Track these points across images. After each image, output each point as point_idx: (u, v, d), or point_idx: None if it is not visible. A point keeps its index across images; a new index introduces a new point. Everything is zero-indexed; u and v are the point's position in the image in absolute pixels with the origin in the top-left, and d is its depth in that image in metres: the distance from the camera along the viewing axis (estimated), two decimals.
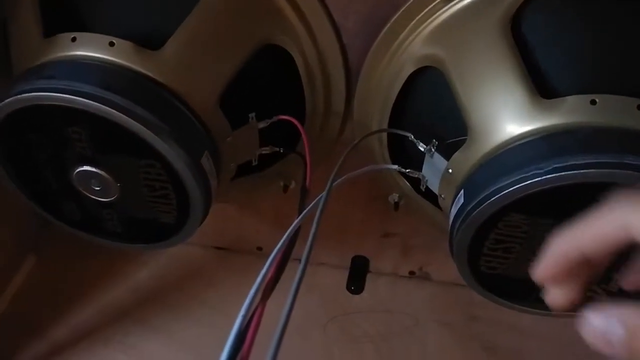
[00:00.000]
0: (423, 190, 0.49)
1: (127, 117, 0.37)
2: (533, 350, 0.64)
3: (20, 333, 0.64)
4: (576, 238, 0.25)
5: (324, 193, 0.33)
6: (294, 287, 0.26)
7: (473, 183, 0.41)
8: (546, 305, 0.45)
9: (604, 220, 0.24)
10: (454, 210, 0.42)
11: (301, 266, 0.27)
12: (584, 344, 0.69)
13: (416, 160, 0.48)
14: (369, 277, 0.69)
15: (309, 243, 0.28)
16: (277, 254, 0.29)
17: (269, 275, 0.29)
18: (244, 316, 0.25)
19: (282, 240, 0.29)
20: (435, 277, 0.69)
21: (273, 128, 0.47)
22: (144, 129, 0.37)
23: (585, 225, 0.25)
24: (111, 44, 0.39)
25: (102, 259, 0.70)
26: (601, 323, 0.25)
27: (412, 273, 0.69)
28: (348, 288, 0.68)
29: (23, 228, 0.69)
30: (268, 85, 0.48)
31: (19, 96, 0.37)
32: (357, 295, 0.68)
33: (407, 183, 0.53)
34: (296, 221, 0.32)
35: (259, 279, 0.27)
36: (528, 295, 0.45)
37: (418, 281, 0.70)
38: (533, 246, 0.41)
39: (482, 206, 0.38)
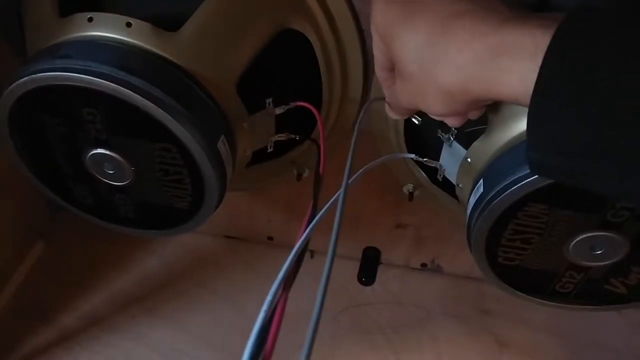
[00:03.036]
0: (440, 179, 0.48)
1: (144, 99, 0.36)
2: (545, 344, 0.64)
3: (28, 319, 0.64)
4: (376, 67, 0.39)
5: (341, 191, 0.33)
6: (323, 284, 0.26)
7: (493, 172, 0.40)
8: (561, 298, 0.45)
9: None
10: (472, 200, 0.42)
11: (328, 261, 0.27)
12: (595, 338, 0.68)
13: (433, 149, 0.47)
14: (380, 268, 0.69)
15: (333, 239, 0.27)
16: (300, 246, 0.28)
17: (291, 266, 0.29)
18: (267, 311, 0.25)
19: (307, 231, 0.29)
20: (448, 269, 0.69)
21: (289, 115, 0.46)
22: (161, 111, 0.37)
23: None
24: (128, 24, 0.38)
25: (111, 246, 0.70)
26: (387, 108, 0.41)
27: (424, 265, 0.69)
28: (359, 279, 0.68)
29: (32, 214, 0.68)
30: (285, 70, 0.47)
31: (34, 75, 0.36)
32: (368, 287, 0.68)
33: (423, 173, 0.53)
34: (319, 214, 0.32)
35: (281, 273, 0.27)
36: (544, 288, 0.45)
37: (430, 273, 0.69)
38: (552, 237, 0.40)
39: (502, 195, 0.38)
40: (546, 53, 0.26)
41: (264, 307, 0.23)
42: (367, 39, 0.47)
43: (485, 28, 0.29)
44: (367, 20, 0.46)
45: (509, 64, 0.28)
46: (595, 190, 0.30)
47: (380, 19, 0.35)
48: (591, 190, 0.30)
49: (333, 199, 0.34)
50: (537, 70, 0.26)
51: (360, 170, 0.41)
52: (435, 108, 0.34)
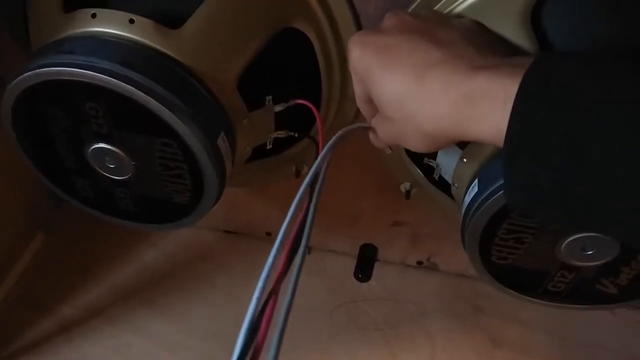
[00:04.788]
0: (436, 179, 0.49)
1: (145, 95, 0.37)
2: (538, 343, 0.64)
3: (28, 310, 0.65)
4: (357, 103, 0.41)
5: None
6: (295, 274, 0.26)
7: (487, 173, 0.41)
8: (553, 297, 0.46)
9: None
10: (467, 199, 0.42)
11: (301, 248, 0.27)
12: (588, 337, 0.68)
13: None
14: (377, 265, 0.69)
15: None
16: (283, 237, 0.29)
17: (280, 262, 0.29)
18: (258, 299, 0.25)
19: (285, 223, 0.29)
20: (443, 267, 0.69)
21: (288, 112, 0.47)
22: (162, 107, 0.37)
23: None
24: (131, 21, 0.39)
25: (112, 238, 0.70)
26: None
27: (420, 263, 0.70)
28: (356, 276, 0.68)
29: (33, 205, 0.69)
30: (285, 68, 0.47)
31: (37, 70, 0.37)
32: (364, 284, 0.69)
33: (420, 171, 0.53)
34: (294, 201, 0.32)
35: (269, 262, 0.27)
36: (536, 286, 0.46)
37: (425, 271, 0.70)
38: (545, 238, 0.41)
39: (495, 196, 0.38)
40: (514, 104, 0.28)
41: (255, 295, 0.24)
42: None
43: (457, 77, 0.31)
44: (367, 20, 0.47)
45: (483, 113, 0.30)
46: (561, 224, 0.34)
47: (357, 65, 0.37)
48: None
49: (308, 177, 0.33)
50: (508, 119, 0.28)
51: (336, 135, 0.38)
52: (417, 147, 0.35)
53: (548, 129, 0.27)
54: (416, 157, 0.52)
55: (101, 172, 0.44)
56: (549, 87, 0.27)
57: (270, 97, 0.45)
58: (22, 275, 0.67)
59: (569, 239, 0.40)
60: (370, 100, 0.38)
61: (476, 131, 0.30)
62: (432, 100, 0.32)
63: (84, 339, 0.62)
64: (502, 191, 0.38)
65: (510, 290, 0.46)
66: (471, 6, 0.41)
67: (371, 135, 0.42)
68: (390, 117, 0.35)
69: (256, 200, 0.68)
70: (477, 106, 0.30)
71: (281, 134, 0.48)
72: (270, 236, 0.72)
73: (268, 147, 0.49)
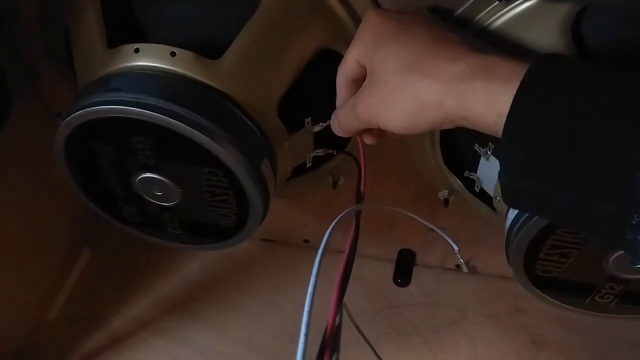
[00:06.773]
0: (477, 191, 0.49)
1: (190, 128, 0.38)
2: (580, 343, 0.64)
3: (80, 324, 0.67)
4: (341, 71, 0.40)
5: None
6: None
7: None
8: (602, 308, 0.46)
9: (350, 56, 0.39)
10: (510, 215, 0.42)
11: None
12: (632, 336, 0.67)
13: (470, 161, 0.48)
14: (415, 270, 0.70)
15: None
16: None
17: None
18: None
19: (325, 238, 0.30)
20: (482, 270, 0.69)
21: (325, 130, 0.47)
22: (208, 139, 0.38)
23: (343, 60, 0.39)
24: (172, 54, 0.40)
25: (155, 251, 0.72)
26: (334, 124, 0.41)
27: (458, 266, 0.70)
28: (395, 281, 0.69)
29: (78, 221, 0.71)
30: (323, 89, 0.48)
31: (89, 109, 0.38)
32: (404, 288, 0.69)
33: (460, 182, 0.53)
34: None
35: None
36: (583, 298, 0.45)
37: (465, 274, 0.70)
38: (591, 252, 0.40)
39: None
40: (521, 83, 0.29)
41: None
42: None
43: (471, 51, 0.33)
44: None
45: (486, 85, 0.31)
46: (557, 220, 0.33)
47: (371, 31, 0.37)
48: (554, 220, 0.34)
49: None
50: (511, 97, 0.29)
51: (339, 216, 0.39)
52: (396, 121, 0.35)
53: (550, 111, 0.28)
54: (456, 168, 0.52)
55: (149, 199, 0.45)
56: (555, 77, 0.28)
57: (309, 119, 0.46)
58: (73, 290, 0.70)
59: (617, 254, 0.39)
60: (355, 80, 0.39)
61: (474, 101, 0.31)
62: (442, 65, 0.33)
63: (134, 352, 0.64)
64: None
65: (556, 302, 0.46)
66: (512, 18, 0.41)
67: (340, 118, 0.41)
68: (386, 82, 0.35)
69: (293, 208, 0.69)
70: (482, 78, 0.31)
71: (320, 152, 0.49)
72: (308, 243, 0.73)
73: (307, 166, 0.49)
